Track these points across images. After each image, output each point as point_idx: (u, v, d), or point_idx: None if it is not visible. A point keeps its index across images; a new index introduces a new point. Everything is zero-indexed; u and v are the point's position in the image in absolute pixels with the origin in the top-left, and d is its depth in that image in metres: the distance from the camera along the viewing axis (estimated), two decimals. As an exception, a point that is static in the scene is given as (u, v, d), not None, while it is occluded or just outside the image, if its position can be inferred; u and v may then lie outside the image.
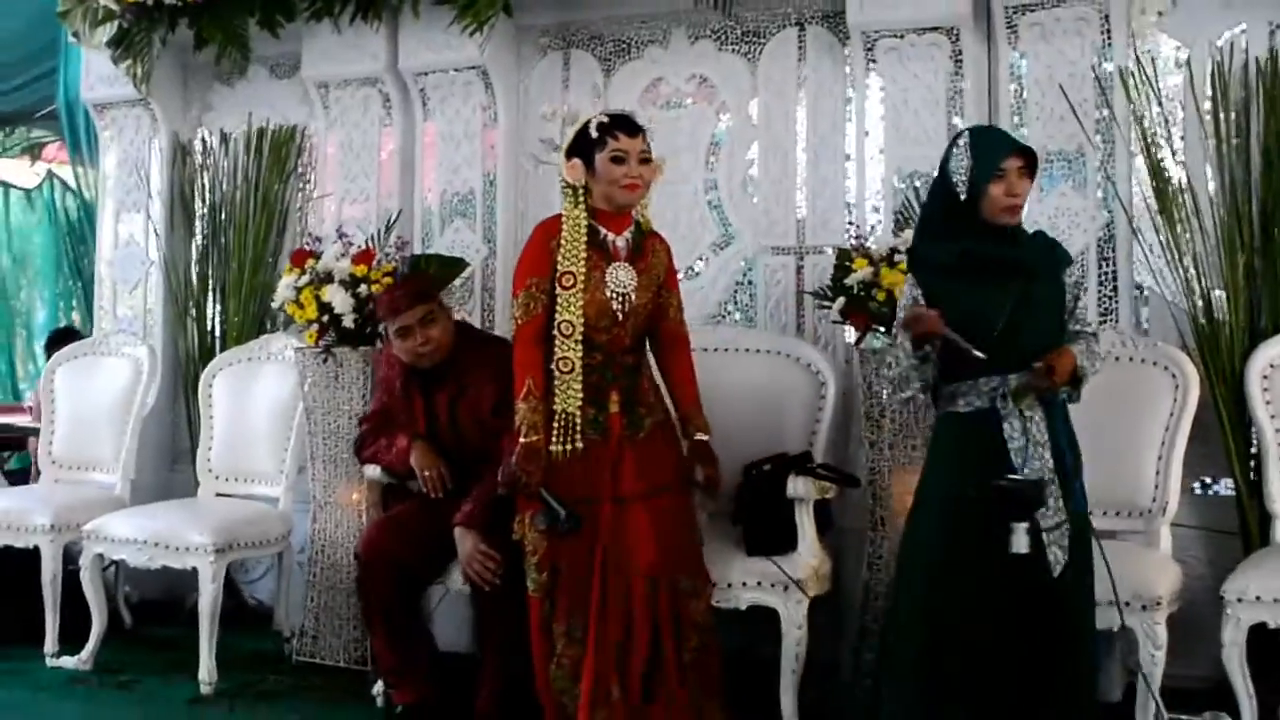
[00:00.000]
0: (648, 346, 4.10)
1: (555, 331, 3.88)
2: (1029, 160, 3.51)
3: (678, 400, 4.10)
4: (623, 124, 3.91)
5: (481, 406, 4.43)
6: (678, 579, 3.94)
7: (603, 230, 3.95)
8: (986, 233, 3.49)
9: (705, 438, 4.05)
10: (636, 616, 3.86)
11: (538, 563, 3.91)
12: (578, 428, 3.87)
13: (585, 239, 3.91)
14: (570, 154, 3.92)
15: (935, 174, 3.68)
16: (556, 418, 3.87)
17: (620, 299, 3.94)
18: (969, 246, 3.47)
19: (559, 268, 3.89)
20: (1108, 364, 4.29)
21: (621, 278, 3.95)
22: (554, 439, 3.86)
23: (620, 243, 3.97)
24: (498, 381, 4.31)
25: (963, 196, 3.48)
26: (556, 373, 3.87)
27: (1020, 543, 2.60)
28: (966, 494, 3.28)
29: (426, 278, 4.70)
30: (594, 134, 3.89)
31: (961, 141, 3.56)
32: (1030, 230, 3.71)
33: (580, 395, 3.88)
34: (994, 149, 3.50)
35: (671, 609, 3.91)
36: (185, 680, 4.85)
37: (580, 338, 3.88)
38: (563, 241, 3.90)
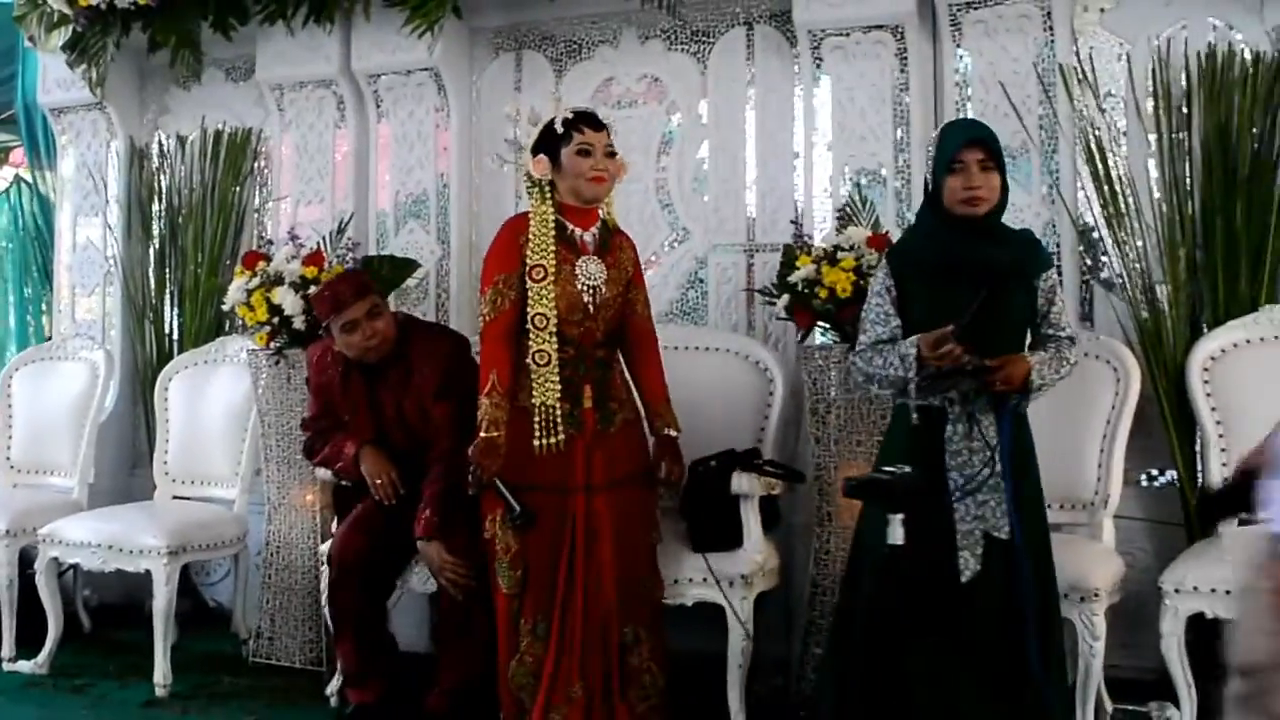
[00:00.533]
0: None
1: (529, 325, 3.91)
2: (990, 151, 3.50)
3: (647, 397, 4.13)
4: (587, 119, 3.96)
5: (425, 395, 4.43)
6: (637, 575, 3.99)
7: (570, 225, 3.98)
8: (958, 226, 3.49)
9: (674, 434, 4.10)
10: (605, 616, 3.90)
11: (510, 561, 3.92)
12: (559, 421, 3.90)
13: (553, 233, 3.94)
14: (536, 150, 3.96)
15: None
16: (536, 411, 3.89)
17: (591, 291, 3.96)
18: (941, 245, 3.49)
19: (528, 261, 3.92)
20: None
21: (592, 270, 3.98)
22: (536, 433, 3.89)
23: (588, 238, 4.00)
24: (441, 367, 4.38)
25: (929, 189, 3.56)
26: (533, 366, 3.90)
27: (896, 534, 2.62)
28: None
29: (365, 273, 4.73)
30: (559, 129, 3.93)
31: (934, 135, 3.62)
32: (1019, 226, 3.78)
33: (558, 388, 3.90)
34: (950, 140, 3.52)
35: (627, 608, 3.95)
36: (141, 683, 4.87)
37: (554, 330, 3.91)
38: (531, 236, 3.93)
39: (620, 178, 4.03)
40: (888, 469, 2.62)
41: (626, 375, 4.14)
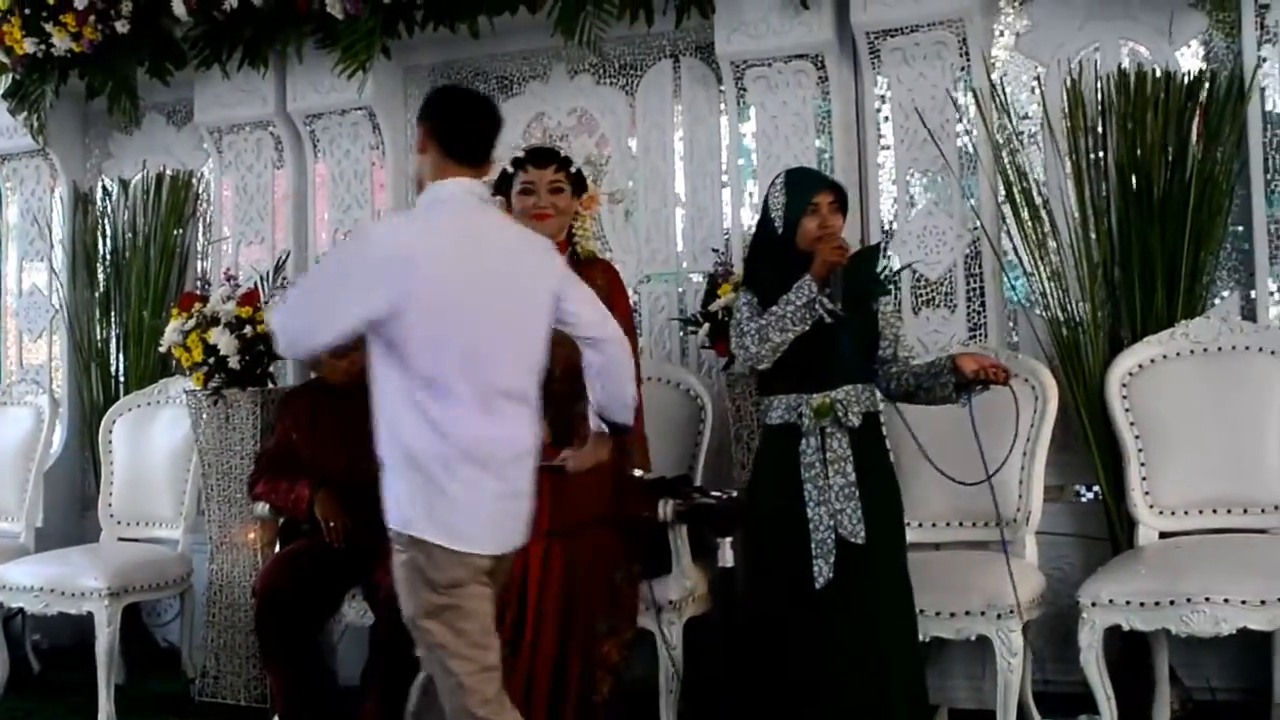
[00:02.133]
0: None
1: None
2: (839, 195, 3.77)
3: None
4: (535, 156, 4.02)
5: None
6: (593, 620, 3.94)
7: None
8: (806, 261, 3.66)
9: (639, 473, 3.99)
10: (542, 654, 3.88)
11: None
12: None
13: None
14: (496, 191, 4.01)
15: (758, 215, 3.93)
16: None
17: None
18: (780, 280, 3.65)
19: None
20: (971, 378, 4.42)
21: None
22: None
23: None
24: None
25: (779, 230, 3.74)
26: None
27: (725, 557, 2.70)
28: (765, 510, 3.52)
29: None
30: (509, 169, 4.01)
31: (778, 182, 3.82)
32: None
33: None
34: (805, 186, 3.78)
35: (583, 650, 3.92)
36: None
37: None
38: None
39: (586, 210, 4.07)
40: (715, 494, 2.69)
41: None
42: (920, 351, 4.73)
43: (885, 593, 3.62)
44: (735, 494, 2.55)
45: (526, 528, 3.18)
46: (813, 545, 3.55)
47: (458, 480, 2.98)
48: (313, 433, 4.60)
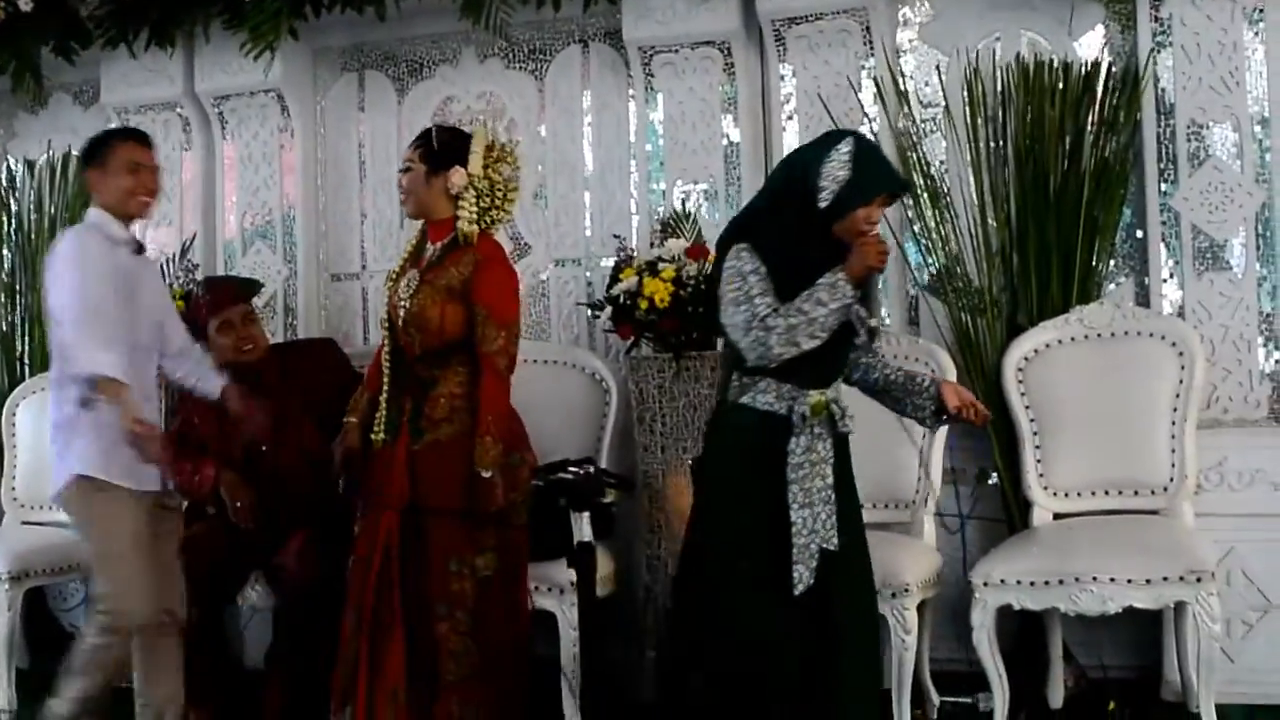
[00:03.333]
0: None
1: None
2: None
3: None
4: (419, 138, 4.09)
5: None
6: (431, 601, 3.93)
7: (429, 239, 4.07)
8: (827, 247, 3.29)
9: (481, 472, 3.84)
10: (394, 632, 3.92)
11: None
12: (382, 423, 4.00)
13: (413, 244, 4.09)
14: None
15: (791, 162, 3.47)
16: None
17: (401, 306, 3.99)
18: (815, 255, 3.28)
19: None
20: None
21: (403, 286, 4.01)
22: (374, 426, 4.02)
23: (430, 251, 4.04)
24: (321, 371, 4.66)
25: (823, 203, 3.26)
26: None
27: (584, 531, 2.71)
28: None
29: (241, 280, 4.89)
30: None
31: (843, 149, 3.28)
32: None
33: (385, 391, 4.01)
34: (880, 175, 3.35)
35: (423, 628, 3.94)
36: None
37: (387, 338, 4.04)
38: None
39: (448, 185, 3.96)
40: (573, 468, 2.69)
41: (464, 398, 3.95)
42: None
43: (860, 600, 3.43)
44: (593, 470, 2.58)
45: None
46: (795, 550, 3.24)
47: None
48: (214, 415, 4.57)
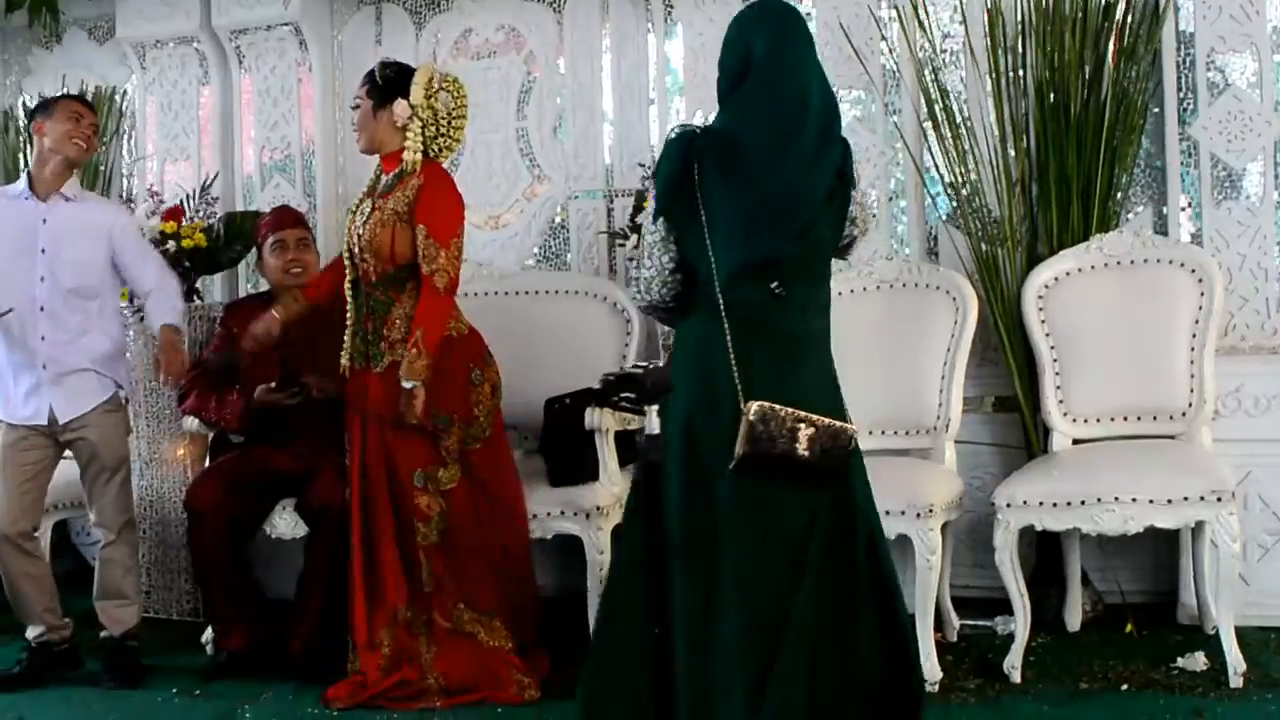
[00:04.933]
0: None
1: None
2: None
3: None
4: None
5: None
6: (405, 518, 4.15)
7: (382, 170, 4.22)
8: None
9: (403, 382, 4.00)
10: (385, 552, 4.16)
11: None
12: (346, 349, 4.20)
13: (373, 178, 4.23)
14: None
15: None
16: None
17: (354, 237, 4.19)
18: None
19: None
20: (895, 290, 4.54)
21: (360, 213, 4.21)
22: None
23: (383, 182, 4.20)
24: None
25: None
26: None
27: (652, 425, 2.73)
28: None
29: (290, 210, 4.94)
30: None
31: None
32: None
33: (350, 317, 4.20)
34: None
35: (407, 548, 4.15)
36: (17, 641, 4.88)
37: (347, 264, 4.24)
38: None
39: (393, 118, 4.12)
40: (639, 364, 2.71)
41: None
42: (841, 266, 4.84)
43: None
44: (660, 364, 2.60)
45: None
46: None
47: None
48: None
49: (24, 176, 4.50)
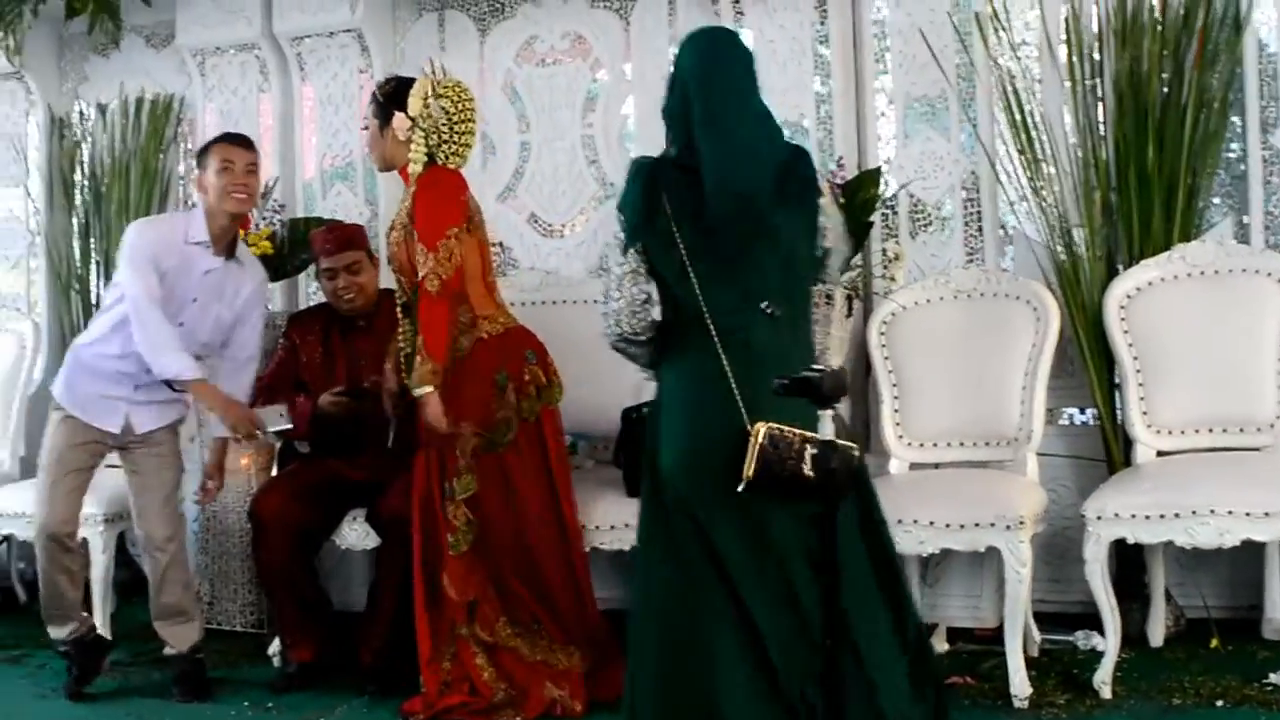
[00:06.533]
0: None
1: None
2: None
3: None
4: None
5: None
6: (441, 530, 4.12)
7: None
8: None
9: (416, 392, 4.03)
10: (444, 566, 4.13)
11: None
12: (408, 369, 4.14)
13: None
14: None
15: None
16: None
17: (388, 249, 4.20)
18: None
19: None
20: (973, 299, 4.48)
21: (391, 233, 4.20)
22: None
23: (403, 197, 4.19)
24: None
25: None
26: None
27: (827, 429, 2.70)
28: None
29: (356, 228, 4.85)
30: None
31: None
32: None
33: (402, 339, 4.19)
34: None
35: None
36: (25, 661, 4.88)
37: (397, 289, 4.23)
38: None
39: (395, 133, 4.13)
40: (815, 368, 2.68)
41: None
42: (918, 275, 4.80)
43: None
44: (836, 367, 2.57)
45: None
46: None
47: None
48: (320, 353, 4.58)
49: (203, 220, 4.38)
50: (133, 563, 5.78)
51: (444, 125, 4.09)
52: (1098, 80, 4.64)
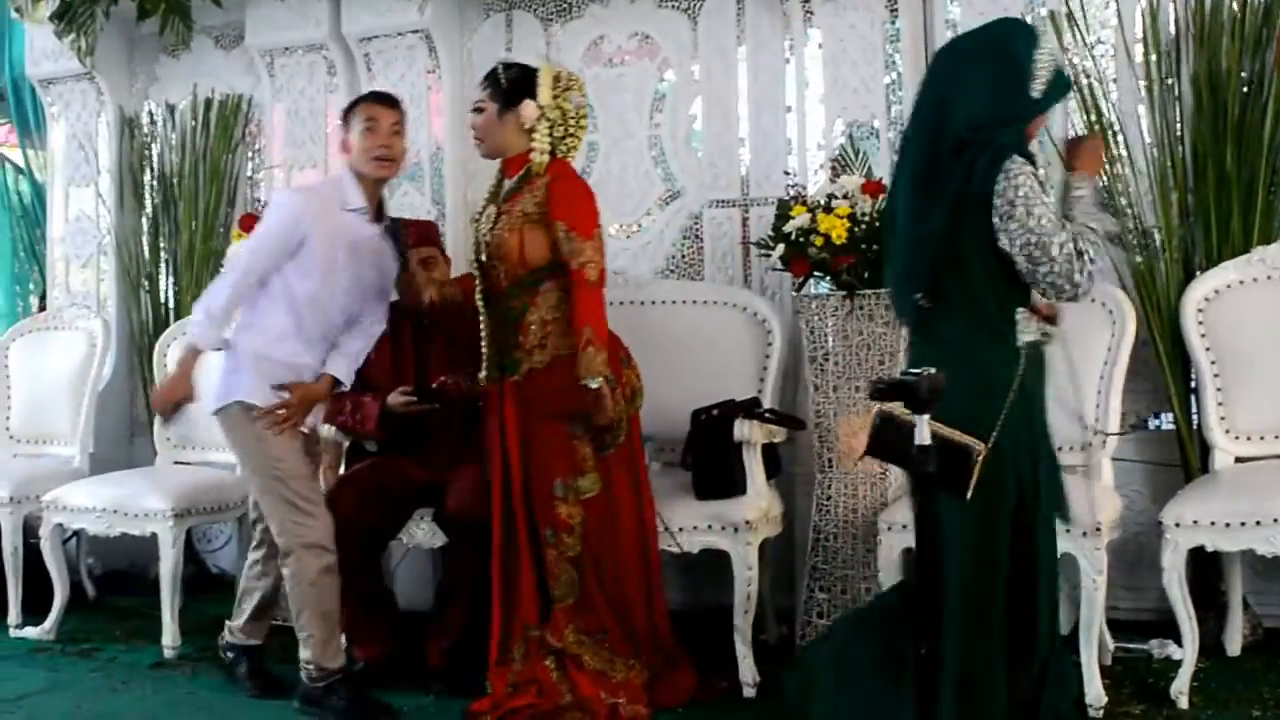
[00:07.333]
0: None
1: None
2: None
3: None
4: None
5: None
6: (541, 529, 4.05)
7: (504, 175, 4.14)
8: None
9: (587, 384, 3.90)
10: (522, 565, 4.08)
11: None
12: (484, 362, 4.12)
13: (494, 184, 4.17)
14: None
15: (1004, 52, 3.16)
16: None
17: (480, 244, 4.10)
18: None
19: None
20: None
21: (484, 220, 4.11)
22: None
23: (506, 186, 4.10)
24: None
25: (1035, 95, 3.14)
26: None
27: (923, 435, 2.63)
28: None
29: (429, 224, 4.87)
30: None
31: (1048, 42, 3.21)
32: None
33: (485, 329, 4.13)
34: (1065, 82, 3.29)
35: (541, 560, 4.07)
36: (148, 646, 4.90)
37: (479, 279, 4.15)
38: None
39: (520, 120, 4.02)
40: (914, 370, 2.62)
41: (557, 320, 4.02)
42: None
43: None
44: (933, 371, 2.51)
45: None
46: (1044, 478, 3.22)
47: None
48: (390, 353, 4.58)
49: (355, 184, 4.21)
50: (198, 560, 5.85)
51: (570, 118, 4.07)
52: (1175, 80, 4.56)
